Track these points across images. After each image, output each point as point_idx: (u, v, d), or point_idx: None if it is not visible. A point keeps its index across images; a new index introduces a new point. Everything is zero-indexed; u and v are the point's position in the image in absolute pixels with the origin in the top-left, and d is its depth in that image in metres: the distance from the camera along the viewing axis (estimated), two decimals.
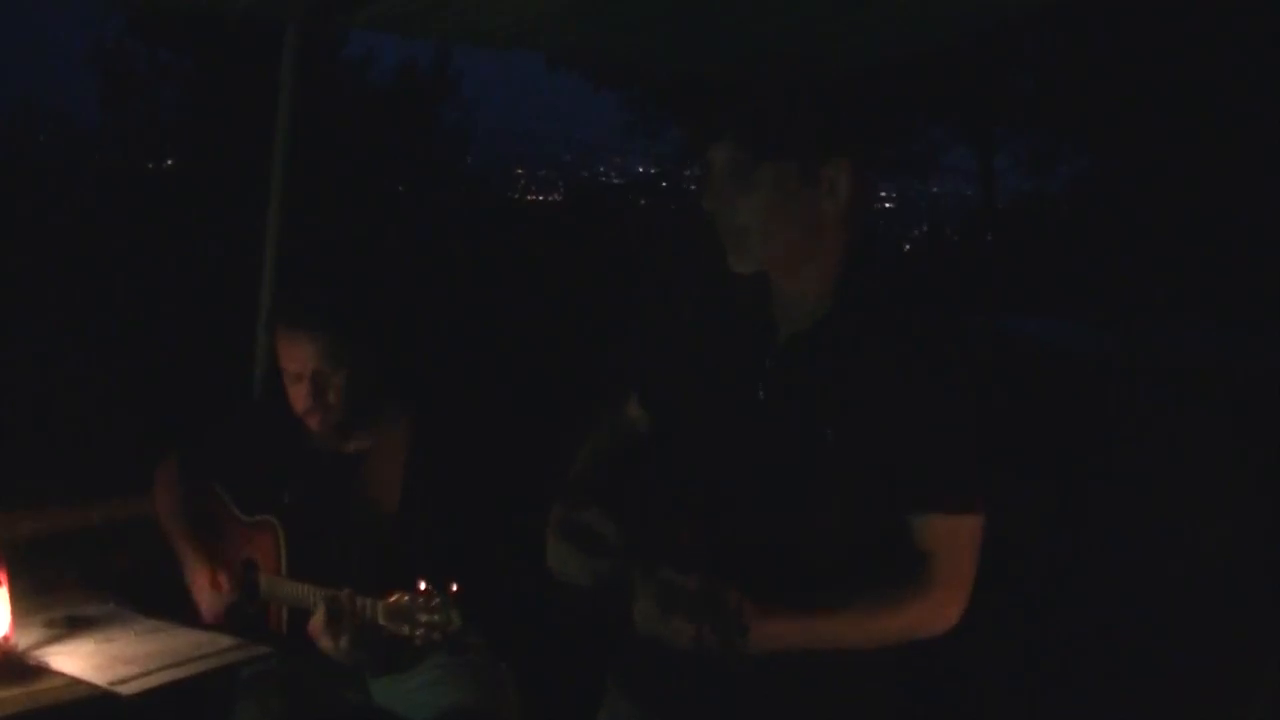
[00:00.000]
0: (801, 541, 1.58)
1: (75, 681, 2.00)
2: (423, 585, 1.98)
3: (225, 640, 2.21)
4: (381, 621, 2.05)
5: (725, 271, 1.63)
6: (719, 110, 1.60)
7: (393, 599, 2.02)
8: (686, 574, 1.45)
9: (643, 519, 1.60)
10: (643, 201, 22.12)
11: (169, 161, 15.88)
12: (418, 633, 1.97)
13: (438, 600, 1.96)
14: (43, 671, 2.03)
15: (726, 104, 1.60)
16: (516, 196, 24.80)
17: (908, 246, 21.31)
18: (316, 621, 2.16)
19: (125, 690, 1.96)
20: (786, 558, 1.57)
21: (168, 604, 2.40)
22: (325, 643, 2.15)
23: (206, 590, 2.40)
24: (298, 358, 2.37)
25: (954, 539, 1.56)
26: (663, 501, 1.66)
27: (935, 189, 27.03)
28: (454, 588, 1.97)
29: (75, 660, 2.07)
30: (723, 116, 1.59)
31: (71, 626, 2.22)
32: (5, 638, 2.04)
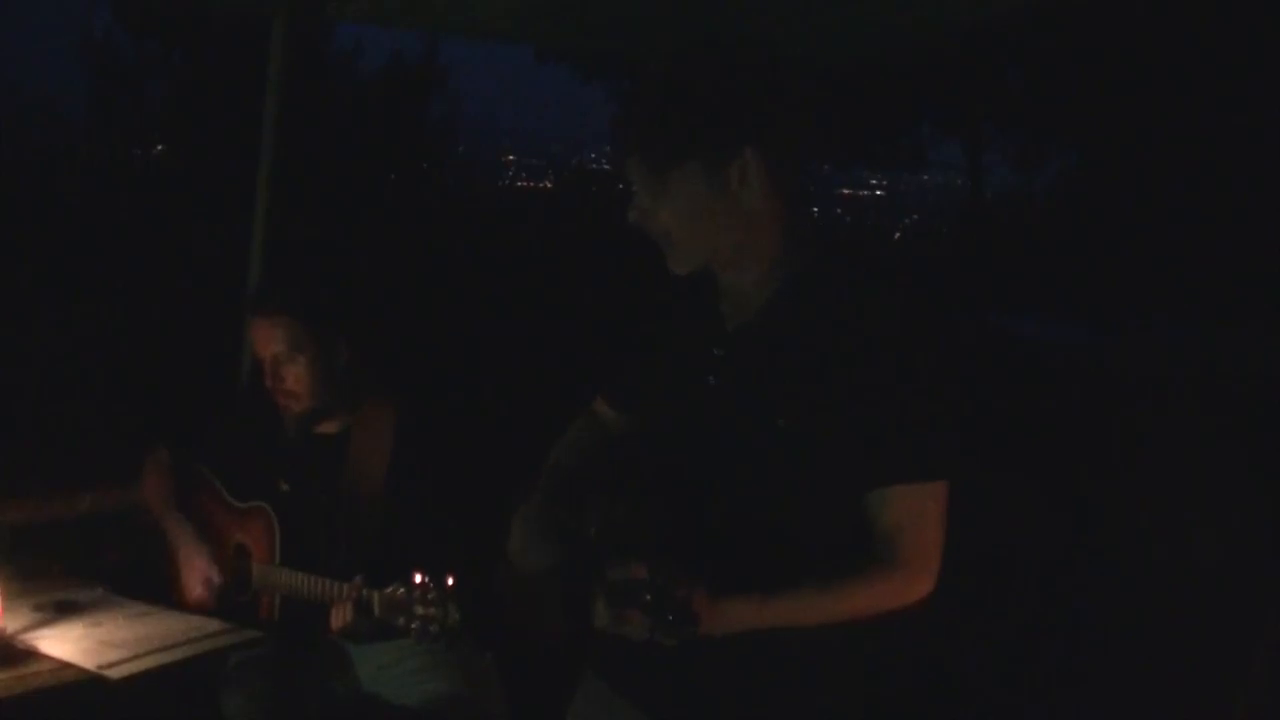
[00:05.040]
0: (763, 526, 1.58)
1: (64, 665, 2.01)
2: (419, 578, 1.98)
3: (215, 625, 2.23)
4: (378, 613, 2.06)
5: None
6: (623, 125, 1.60)
7: (389, 590, 2.03)
8: (633, 567, 1.44)
9: (605, 512, 1.61)
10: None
11: (159, 148, 15.80)
12: (413, 625, 1.97)
13: (434, 594, 1.96)
14: (31, 655, 2.04)
15: (628, 117, 1.60)
16: (506, 183, 24.70)
17: (898, 234, 21.32)
18: (341, 618, 2.16)
19: (113, 674, 1.97)
20: (749, 543, 1.58)
21: (157, 593, 2.41)
22: (347, 633, 2.17)
23: (198, 576, 2.41)
24: (260, 342, 2.42)
25: (918, 509, 1.54)
26: (622, 493, 1.67)
27: (925, 177, 26.99)
28: (450, 582, 1.96)
29: (64, 644, 2.08)
30: (626, 131, 1.59)
31: (60, 611, 2.23)
32: None
